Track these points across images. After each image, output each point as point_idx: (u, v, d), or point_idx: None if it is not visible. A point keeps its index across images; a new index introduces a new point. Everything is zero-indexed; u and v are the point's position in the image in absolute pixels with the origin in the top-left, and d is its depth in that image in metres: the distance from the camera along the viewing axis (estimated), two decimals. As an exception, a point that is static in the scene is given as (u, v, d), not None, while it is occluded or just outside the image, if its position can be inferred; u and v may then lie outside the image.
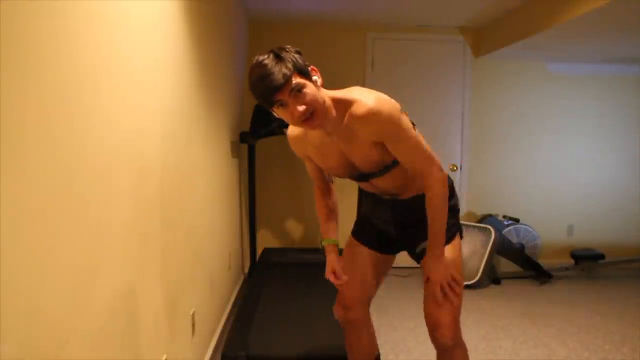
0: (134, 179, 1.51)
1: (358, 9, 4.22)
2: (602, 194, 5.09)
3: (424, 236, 1.80)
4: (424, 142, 1.71)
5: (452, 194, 1.86)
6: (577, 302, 4.03)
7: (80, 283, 1.16)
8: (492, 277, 4.50)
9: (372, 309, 2.06)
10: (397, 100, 1.68)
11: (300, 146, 1.85)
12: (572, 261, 4.84)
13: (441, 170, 1.73)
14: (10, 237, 0.88)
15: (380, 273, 2.03)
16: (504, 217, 4.83)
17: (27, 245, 0.94)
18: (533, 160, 5.03)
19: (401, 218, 1.92)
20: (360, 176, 1.82)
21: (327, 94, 1.63)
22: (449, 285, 1.77)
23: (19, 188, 0.91)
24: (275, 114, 1.61)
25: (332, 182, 2.00)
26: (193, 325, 2.30)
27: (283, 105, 1.53)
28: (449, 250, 1.81)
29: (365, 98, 1.61)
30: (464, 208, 4.95)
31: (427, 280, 1.80)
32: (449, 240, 1.83)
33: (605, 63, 4.90)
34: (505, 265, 4.70)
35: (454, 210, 1.87)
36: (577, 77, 4.98)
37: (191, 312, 2.27)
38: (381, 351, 2.38)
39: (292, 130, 1.85)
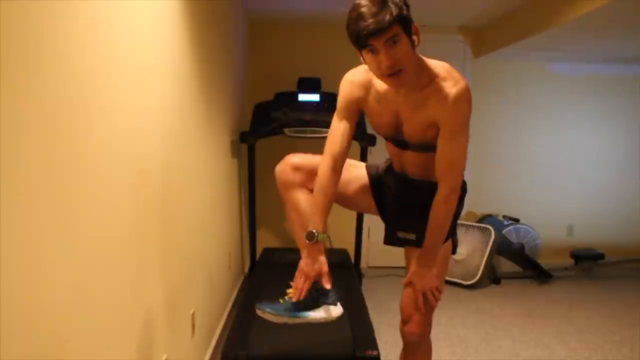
0: (133, 179, 1.51)
1: (358, 9, 4.21)
2: (602, 194, 5.09)
3: (411, 227, 1.80)
4: (465, 157, 1.65)
5: (461, 197, 1.82)
6: (577, 302, 4.03)
7: (80, 283, 1.16)
8: (492, 277, 4.50)
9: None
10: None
11: (362, 91, 1.70)
12: (572, 261, 4.84)
13: (460, 187, 1.70)
14: (10, 237, 0.88)
15: (350, 200, 1.94)
16: (504, 217, 4.82)
17: (27, 245, 0.94)
18: (533, 160, 5.03)
19: (402, 198, 1.87)
20: (401, 142, 1.74)
21: (419, 57, 1.57)
22: (432, 294, 1.76)
23: (18, 188, 0.91)
24: (361, 59, 1.53)
25: (343, 165, 1.78)
26: (193, 325, 2.30)
27: (373, 51, 1.46)
28: (439, 252, 1.80)
29: (458, 79, 1.57)
30: (464, 208, 4.95)
31: (410, 284, 1.79)
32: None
33: (605, 63, 4.90)
34: (505, 265, 4.70)
35: (455, 216, 1.86)
36: (577, 77, 4.98)
37: (191, 312, 2.27)
38: (381, 351, 2.38)
39: (357, 74, 1.71)
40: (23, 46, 0.92)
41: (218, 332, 2.97)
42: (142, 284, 1.61)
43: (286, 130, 3.82)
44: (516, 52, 4.39)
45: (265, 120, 3.83)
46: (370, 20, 1.40)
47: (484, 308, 3.83)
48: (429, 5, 4.06)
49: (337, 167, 1.72)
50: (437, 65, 1.61)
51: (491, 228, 4.43)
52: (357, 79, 1.71)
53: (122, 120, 1.41)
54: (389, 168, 1.93)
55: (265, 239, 4.76)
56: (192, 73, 2.30)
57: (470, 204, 4.99)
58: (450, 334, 3.31)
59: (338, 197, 1.83)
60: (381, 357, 2.44)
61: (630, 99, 5.04)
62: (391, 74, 1.49)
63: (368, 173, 1.96)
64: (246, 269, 4.35)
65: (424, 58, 1.61)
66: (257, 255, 4.33)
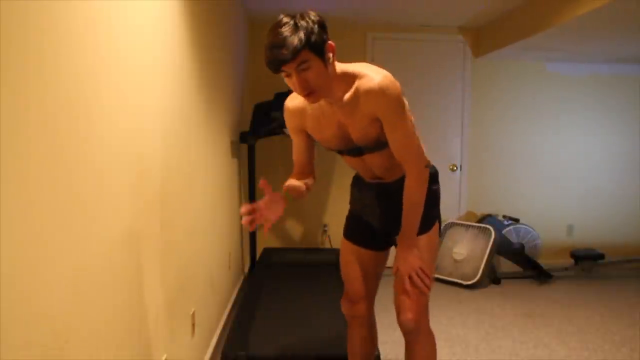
0: (133, 179, 1.51)
1: (358, 9, 4.22)
2: (602, 194, 5.10)
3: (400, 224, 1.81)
4: (417, 133, 1.73)
5: (434, 180, 1.89)
6: (577, 302, 4.03)
7: (80, 283, 1.16)
8: (492, 277, 4.50)
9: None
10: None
11: (297, 117, 1.82)
12: (572, 261, 4.84)
13: (426, 165, 1.75)
14: (11, 237, 0.88)
15: (377, 268, 2.04)
16: (504, 217, 4.83)
17: (26, 245, 0.94)
18: (533, 160, 5.03)
19: (386, 205, 1.91)
20: (355, 150, 1.81)
21: (336, 67, 1.64)
22: (419, 277, 1.76)
23: (19, 188, 0.91)
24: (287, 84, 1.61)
25: (313, 177, 1.91)
26: (193, 325, 2.30)
27: (288, 75, 1.55)
28: (423, 240, 1.82)
29: (374, 73, 1.63)
30: (464, 208, 4.96)
31: (397, 271, 1.80)
32: (426, 229, 1.84)
33: (605, 63, 4.90)
34: (505, 265, 4.70)
35: (435, 196, 1.89)
36: (577, 77, 4.98)
37: (191, 312, 2.27)
38: (381, 351, 2.38)
39: (292, 100, 1.82)
40: (23, 46, 0.92)
41: (218, 332, 2.97)
42: (142, 284, 1.61)
43: (286, 130, 3.82)
44: (516, 52, 4.39)
45: (265, 120, 3.83)
46: (280, 49, 1.47)
47: (484, 308, 3.83)
48: (429, 6, 4.06)
49: (303, 172, 1.90)
50: (355, 68, 1.67)
51: (491, 228, 4.43)
52: (292, 104, 1.82)
53: (122, 120, 1.41)
54: (361, 186, 1.98)
55: (265, 239, 4.76)
56: (192, 73, 2.30)
57: (470, 204, 4.99)
58: (450, 334, 3.31)
59: (370, 284, 2.02)
60: (381, 357, 2.44)
61: (630, 99, 5.04)
62: (306, 95, 1.58)
63: (346, 237, 2.05)
64: (246, 269, 4.35)
65: (343, 65, 1.67)
66: (257, 255, 4.33)
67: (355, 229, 2.03)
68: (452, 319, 3.56)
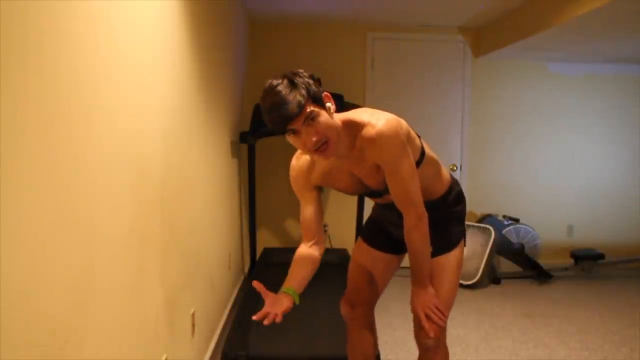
0: (133, 179, 1.51)
1: (358, 9, 4.22)
2: (602, 194, 5.09)
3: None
4: (416, 183, 1.66)
5: (460, 199, 1.89)
6: (577, 302, 4.03)
7: (80, 283, 1.16)
8: (492, 277, 4.50)
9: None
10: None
11: (305, 177, 1.75)
12: (572, 261, 4.84)
13: (423, 214, 1.70)
14: (10, 237, 0.88)
15: (387, 274, 2.05)
16: (504, 217, 4.83)
17: (27, 245, 0.94)
18: (533, 160, 5.03)
19: None
20: (373, 193, 1.81)
21: (338, 118, 1.60)
22: (434, 313, 1.76)
23: (18, 189, 0.91)
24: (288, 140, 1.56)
25: (322, 242, 1.82)
26: (193, 325, 2.30)
27: (296, 133, 1.49)
28: (449, 259, 1.83)
29: (375, 120, 1.59)
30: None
31: (413, 309, 1.80)
32: (451, 247, 1.85)
33: (605, 63, 4.90)
34: (505, 265, 4.70)
35: (460, 216, 1.90)
36: (577, 77, 4.98)
37: (191, 312, 2.27)
38: (381, 351, 2.38)
39: (297, 160, 1.76)
40: (23, 46, 0.92)
41: (218, 332, 2.97)
42: (142, 284, 1.61)
43: (286, 130, 3.82)
44: (516, 52, 4.39)
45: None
46: (284, 106, 1.43)
47: (484, 308, 3.83)
48: (429, 6, 4.06)
49: (313, 244, 1.78)
50: (356, 116, 1.64)
51: (491, 228, 4.43)
52: (298, 164, 1.76)
53: (122, 120, 1.41)
54: (384, 206, 1.95)
55: (265, 239, 4.76)
56: (192, 73, 2.30)
57: (470, 204, 4.99)
58: (450, 334, 3.30)
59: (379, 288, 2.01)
60: (381, 357, 2.44)
61: (630, 99, 5.04)
62: (317, 149, 1.52)
63: (363, 237, 2.03)
64: (246, 269, 4.35)
65: (344, 114, 1.64)
66: (257, 255, 4.33)
67: (374, 233, 2.03)
68: (452, 319, 3.53)
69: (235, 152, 3.72)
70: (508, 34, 4.16)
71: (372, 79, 4.71)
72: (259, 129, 3.87)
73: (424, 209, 1.70)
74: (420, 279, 1.77)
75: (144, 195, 1.62)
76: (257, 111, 3.95)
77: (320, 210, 1.81)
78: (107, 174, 1.31)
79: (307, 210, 1.78)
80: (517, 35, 3.99)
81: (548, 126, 5.00)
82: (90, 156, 1.20)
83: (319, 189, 1.81)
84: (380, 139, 1.57)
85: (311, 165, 1.74)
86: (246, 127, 4.02)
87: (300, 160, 1.76)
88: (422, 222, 1.70)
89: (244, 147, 4.06)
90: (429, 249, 1.75)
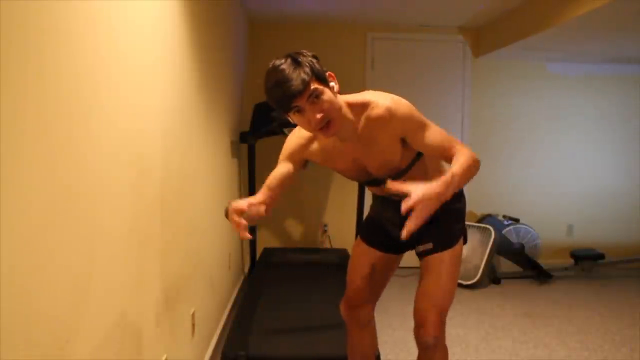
0: (134, 179, 1.51)
1: (358, 9, 4.22)
2: (602, 194, 5.09)
3: (426, 237, 1.80)
4: (444, 133, 1.66)
5: (460, 196, 1.87)
6: (577, 302, 4.03)
7: (80, 283, 1.16)
8: (492, 277, 4.50)
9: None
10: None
11: (301, 145, 1.76)
12: (572, 261, 4.84)
13: (469, 150, 1.64)
14: (10, 237, 0.88)
15: (386, 274, 2.04)
16: (504, 217, 4.83)
17: (27, 245, 0.94)
18: (533, 160, 5.03)
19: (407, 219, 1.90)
20: (373, 181, 1.81)
21: (342, 99, 1.60)
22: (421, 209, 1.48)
23: (18, 189, 0.91)
24: (290, 120, 1.56)
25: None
26: (193, 325, 2.30)
27: (300, 111, 1.50)
28: (447, 255, 1.81)
29: (380, 99, 1.60)
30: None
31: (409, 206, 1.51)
32: (450, 244, 1.84)
33: (605, 63, 4.90)
34: (505, 265, 4.70)
35: (459, 213, 1.88)
36: (577, 77, 4.98)
37: (191, 312, 2.28)
38: (381, 351, 2.38)
39: (299, 130, 1.76)
40: (23, 46, 0.92)
41: (218, 332, 2.97)
42: (142, 284, 1.61)
43: (286, 130, 3.82)
44: (516, 52, 4.39)
45: (265, 120, 3.83)
46: (289, 84, 1.44)
47: (484, 308, 3.83)
48: (429, 6, 4.06)
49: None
50: (359, 97, 1.64)
51: (491, 228, 4.43)
52: (299, 134, 1.77)
53: (122, 120, 1.41)
54: (383, 199, 1.95)
55: (265, 239, 4.76)
56: (192, 73, 2.30)
57: (470, 203, 4.97)
58: (450, 333, 3.30)
59: (377, 288, 2.01)
60: (381, 357, 2.44)
61: (630, 99, 5.04)
62: (322, 128, 1.52)
63: (362, 237, 2.02)
64: (246, 269, 4.35)
65: (347, 96, 1.64)
66: (257, 255, 4.34)
67: (372, 232, 2.03)
68: (452, 319, 3.53)
69: (235, 152, 3.72)
70: (508, 34, 4.16)
71: (372, 79, 4.71)
72: (259, 129, 3.88)
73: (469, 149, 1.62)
74: (444, 179, 1.47)
75: (144, 195, 1.62)
76: (257, 111, 3.95)
77: (289, 181, 1.78)
78: (107, 174, 1.31)
79: (279, 170, 1.76)
80: (517, 35, 3.99)
81: (548, 126, 5.00)
82: (90, 156, 1.20)
83: (304, 165, 1.81)
84: (392, 112, 1.57)
85: (313, 138, 1.74)
86: (246, 127, 4.02)
87: (302, 131, 1.74)
88: (475, 158, 1.58)
89: (244, 147, 4.06)
90: (471, 172, 1.57)
